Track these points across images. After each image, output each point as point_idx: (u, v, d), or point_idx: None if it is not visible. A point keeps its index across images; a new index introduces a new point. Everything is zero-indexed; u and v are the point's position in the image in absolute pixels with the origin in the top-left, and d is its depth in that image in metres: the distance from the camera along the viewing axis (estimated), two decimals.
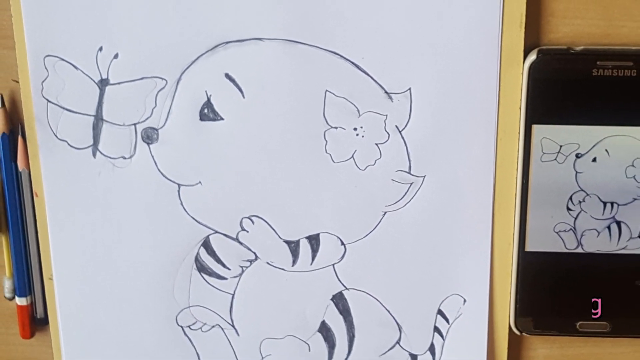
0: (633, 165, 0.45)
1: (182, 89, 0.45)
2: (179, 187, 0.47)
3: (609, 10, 0.44)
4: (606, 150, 0.44)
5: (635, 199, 0.45)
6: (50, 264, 0.48)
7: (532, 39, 0.44)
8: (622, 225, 0.45)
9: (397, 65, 0.44)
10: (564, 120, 0.44)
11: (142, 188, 0.47)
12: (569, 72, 0.43)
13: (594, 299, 0.47)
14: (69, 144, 0.46)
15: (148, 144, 0.46)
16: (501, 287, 0.47)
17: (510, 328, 0.48)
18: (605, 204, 0.45)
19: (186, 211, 0.47)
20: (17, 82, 0.46)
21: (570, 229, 0.46)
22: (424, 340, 0.48)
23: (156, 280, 0.48)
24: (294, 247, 0.47)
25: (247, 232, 0.47)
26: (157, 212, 0.47)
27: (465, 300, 0.47)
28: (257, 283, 0.48)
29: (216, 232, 0.47)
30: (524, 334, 0.48)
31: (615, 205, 0.45)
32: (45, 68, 0.45)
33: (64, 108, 0.46)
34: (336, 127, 0.45)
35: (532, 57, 0.43)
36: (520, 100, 0.44)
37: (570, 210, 0.45)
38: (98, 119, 0.46)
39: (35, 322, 0.50)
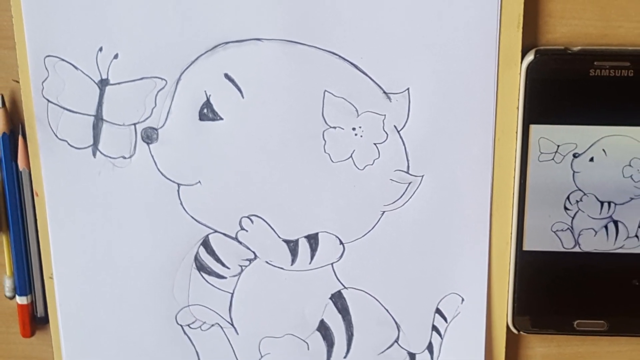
0: (630, 165, 0.45)
1: (182, 89, 0.45)
2: (179, 187, 0.47)
3: (606, 10, 0.44)
4: (603, 150, 0.44)
5: (632, 199, 0.45)
6: (50, 263, 0.48)
7: (530, 39, 0.44)
8: (619, 224, 0.46)
9: (396, 65, 0.44)
10: (561, 120, 0.44)
11: (141, 188, 0.47)
12: (566, 72, 0.43)
13: (591, 298, 0.47)
14: (69, 144, 0.46)
15: (148, 143, 0.46)
16: (499, 286, 0.47)
17: (508, 327, 0.48)
18: (602, 203, 0.45)
19: (186, 211, 0.47)
20: (18, 82, 0.46)
21: (568, 228, 0.46)
22: (422, 339, 0.48)
23: (156, 279, 0.48)
24: (293, 246, 0.47)
25: (247, 231, 0.47)
26: (156, 211, 0.47)
27: (463, 299, 0.48)
28: (256, 282, 0.48)
29: (215, 231, 0.47)
30: (521, 332, 0.48)
31: (612, 204, 0.45)
32: (46, 68, 0.45)
33: (64, 108, 0.46)
34: (335, 127, 0.45)
35: (530, 57, 0.43)
36: (518, 100, 0.44)
37: (568, 209, 0.45)
38: (98, 119, 0.46)
39: (36, 320, 0.50)
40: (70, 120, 0.46)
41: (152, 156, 0.46)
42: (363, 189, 0.46)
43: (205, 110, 0.45)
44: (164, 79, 0.45)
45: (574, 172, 0.45)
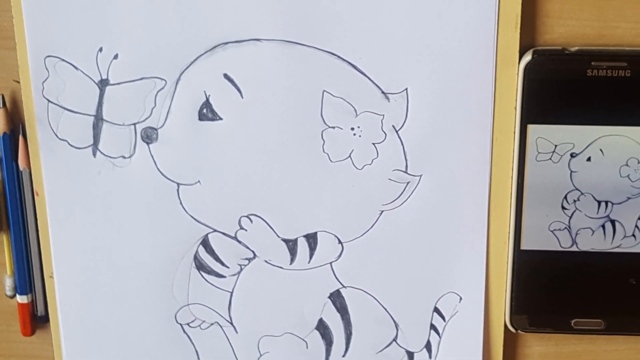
0: (627, 165, 0.45)
1: (181, 89, 0.45)
2: (178, 186, 0.47)
3: (604, 11, 0.44)
4: (600, 149, 0.45)
5: (629, 198, 0.45)
6: (50, 262, 0.48)
7: (528, 39, 0.44)
8: (616, 224, 0.46)
9: (394, 65, 0.44)
10: (559, 120, 0.44)
11: (141, 187, 0.47)
12: (563, 73, 0.43)
13: (588, 297, 0.47)
14: (69, 144, 0.46)
15: (147, 143, 0.46)
16: (497, 285, 0.47)
17: (505, 325, 0.48)
18: (599, 203, 0.45)
19: (185, 210, 0.47)
20: (18, 82, 0.46)
21: (565, 227, 0.46)
22: (421, 337, 0.49)
23: (155, 278, 0.48)
24: (291, 245, 0.47)
25: (246, 230, 0.47)
26: (156, 211, 0.47)
27: (461, 298, 0.48)
28: (255, 281, 0.48)
29: (215, 230, 0.48)
30: (519, 331, 0.48)
31: (609, 204, 0.45)
32: (46, 68, 0.45)
33: (64, 108, 0.46)
34: (333, 127, 0.45)
35: (528, 57, 0.43)
36: (516, 100, 0.44)
37: (565, 209, 0.46)
38: (98, 119, 0.46)
39: (36, 319, 0.50)
40: (70, 120, 0.46)
41: (152, 156, 0.46)
42: (362, 189, 0.46)
43: (204, 110, 0.46)
44: (164, 79, 0.45)
45: (571, 171, 0.45)
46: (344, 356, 0.49)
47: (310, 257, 0.48)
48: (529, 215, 0.46)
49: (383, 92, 0.45)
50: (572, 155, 0.45)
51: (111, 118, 0.46)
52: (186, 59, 0.45)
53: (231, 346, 0.50)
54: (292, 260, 0.48)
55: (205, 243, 0.48)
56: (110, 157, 0.46)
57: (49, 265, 0.48)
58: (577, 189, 0.45)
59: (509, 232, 0.46)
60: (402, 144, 0.46)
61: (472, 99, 0.45)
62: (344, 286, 0.48)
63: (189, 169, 0.46)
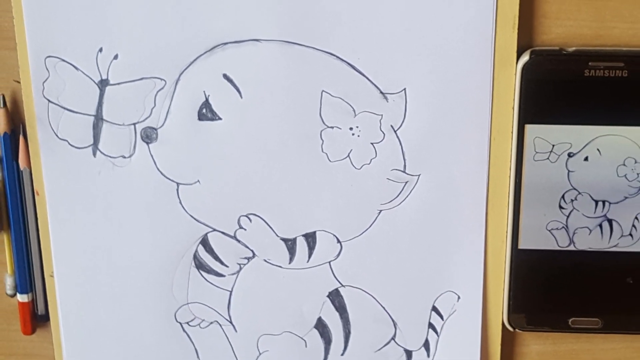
0: (624, 164, 0.45)
1: (181, 89, 0.45)
2: (178, 186, 0.47)
3: (601, 11, 0.44)
4: (598, 149, 0.45)
5: (626, 198, 0.45)
6: (51, 261, 0.48)
7: (525, 40, 0.44)
8: (614, 223, 0.46)
9: (392, 66, 0.44)
10: (556, 120, 0.44)
11: (141, 187, 0.47)
12: (561, 73, 0.43)
13: (585, 296, 0.47)
14: (69, 143, 0.47)
15: (147, 143, 0.46)
16: (494, 284, 0.47)
17: (503, 324, 0.48)
18: (597, 202, 0.46)
19: (185, 209, 0.47)
20: (19, 82, 0.46)
21: (563, 227, 0.46)
22: (419, 336, 0.49)
23: (155, 277, 0.48)
24: (290, 244, 0.48)
25: (245, 230, 0.47)
26: (156, 210, 0.47)
27: (459, 297, 0.48)
28: (254, 280, 0.48)
29: (214, 230, 0.48)
30: (517, 330, 0.48)
31: (606, 203, 0.46)
32: (46, 69, 0.45)
33: (64, 108, 0.46)
34: (332, 127, 0.46)
35: (525, 57, 0.44)
36: (514, 100, 0.44)
37: (563, 208, 0.46)
38: (98, 119, 0.46)
39: (36, 318, 0.50)
40: (70, 120, 0.46)
41: (152, 156, 0.47)
42: (360, 188, 0.46)
43: (204, 110, 0.46)
44: (163, 79, 0.45)
45: (568, 171, 0.45)
46: (342, 355, 0.49)
47: (309, 257, 0.48)
48: (527, 215, 0.46)
49: (381, 92, 0.45)
50: (570, 155, 0.45)
51: (111, 118, 0.46)
52: (186, 59, 0.45)
53: (230, 345, 0.50)
54: (291, 260, 0.48)
55: (204, 242, 0.48)
56: (110, 156, 0.47)
57: (49, 265, 0.49)
58: (575, 189, 0.45)
59: (506, 232, 0.46)
60: (400, 143, 0.46)
61: (470, 99, 0.45)
62: (342, 285, 0.48)
63: (188, 169, 0.47)
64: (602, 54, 0.44)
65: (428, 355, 0.49)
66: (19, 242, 0.48)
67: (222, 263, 0.48)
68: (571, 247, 0.46)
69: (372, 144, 0.46)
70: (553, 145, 0.45)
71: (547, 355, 0.50)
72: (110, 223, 0.48)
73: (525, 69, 0.44)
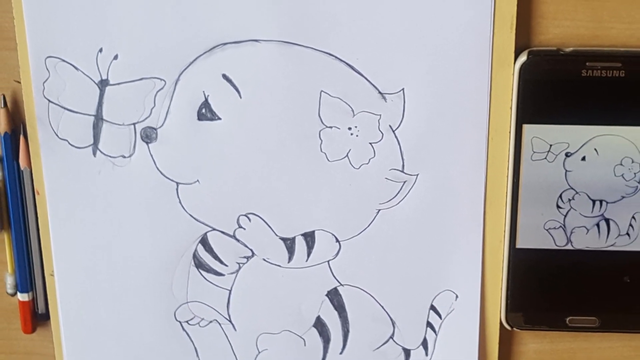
0: (621, 164, 0.45)
1: (181, 89, 0.45)
2: (178, 186, 0.47)
3: (598, 12, 0.44)
4: (595, 149, 0.45)
5: (623, 197, 0.45)
6: (51, 260, 0.48)
7: (523, 40, 0.44)
8: (611, 222, 0.46)
9: (391, 66, 0.44)
10: (553, 120, 0.44)
11: (141, 186, 0.47)
12: (558, 73, 0.44)
13: (583, 295, 0.47)
14: (69, 143, 0.47)
15: (147, 143, 0.46)
16: (492, 283, 0.48)
17: (501, 323, 0.48)
18: (594, 201, 0.46)
19: (184, 209, 0.47)
20: (19, 82, 0.46)
21: (560, 226, 0.46)
22: (417, 335, 0.49)
23: (155, 276, 0.49)
24: (289, 244, 0.48)
25: (244, 229, 0.48)
26: (156, 210, 0.47)
27: (457, 296, 0.48)
28: (253, 279, 0.48)
29: (214, 229, 0.48)
30: (514, 329, 0.48)
31: (604, 203, 0.46)
32: (47, 69, 0.45)
33: (64, 108, 0.46)
34: (331, 127, 0.46)
35: (523, 58, 0.44)
36: (511, 100, 0.44)
37: (560, 208, 0.46)
38: (98, 119, 0.46)
39: (37, 317, 0.50)
40: (70, 120, 0.46)
41: (152, 155, 0.47)
42: (359, 188, 0.47)
43: (203, 110, 0.46)
44: (163, 80, 0.45)
45: (566, 171, 0.45)
46: (341, 353, 0.49)
47: (308, 256, 0.48)
48: (524, 214, 0.46)
49: (380, 92, 0.45)
50: (567, 155, 0.45)
51: (111, 118, 0.46)
52: (185, 59, 0.45)
53: (230, 343, 0.50)
54: (290, 259, 0.48)
55: (204, 241, 0.48)
56: (110, 156, 0.47)
57: (49, 264, 0.49)
58: (572, 188, 0.45)
59: (504, 231, 0.47)
60: (398, 143, 0.46)
61: (468, 99, 0.45)
62: (341, 284, 0.48)
63: (188, 169, 0.47)
64: (600, 54, 0.44)
65: (426, 354, 0.49)
66: (19, 242, 0.48)
67: (221, 262, 0.48)
68: (569, 247, 0.46)
69: (370, 143, 0.46)
70: (550, 145, 0.45)
71: (544, 354, 0.50)
72: (110, 222, 0.48)
73: (523, 69, 0.44)
